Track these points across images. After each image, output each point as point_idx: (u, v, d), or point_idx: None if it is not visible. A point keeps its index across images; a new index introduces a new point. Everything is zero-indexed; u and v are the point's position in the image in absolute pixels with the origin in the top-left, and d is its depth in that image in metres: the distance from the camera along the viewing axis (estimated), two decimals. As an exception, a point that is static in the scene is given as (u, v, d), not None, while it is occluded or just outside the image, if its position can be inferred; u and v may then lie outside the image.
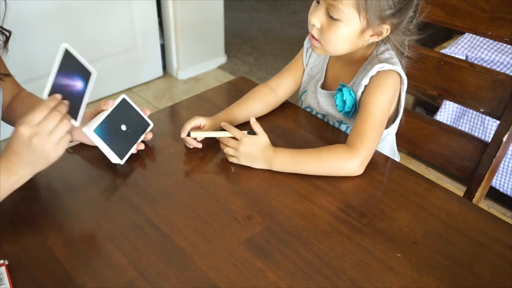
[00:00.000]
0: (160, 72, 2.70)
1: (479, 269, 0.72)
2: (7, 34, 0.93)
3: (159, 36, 2.59)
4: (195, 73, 2.75)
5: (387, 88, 0.94)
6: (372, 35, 0.93)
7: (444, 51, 1.81)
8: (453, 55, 1.66)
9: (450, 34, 2.19)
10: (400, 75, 0.95)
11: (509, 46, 1.75)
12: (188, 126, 0.97)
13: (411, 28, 0.95)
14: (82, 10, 2.22)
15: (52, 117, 0.74)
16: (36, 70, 2.20)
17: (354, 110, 0.99)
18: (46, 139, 0.74)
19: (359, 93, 0.96)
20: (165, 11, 2.53)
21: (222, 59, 2.86)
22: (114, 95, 2.50)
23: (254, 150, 0.91)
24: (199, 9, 2.58)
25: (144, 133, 0.95)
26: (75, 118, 0.79)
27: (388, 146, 1.09)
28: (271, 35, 3.22)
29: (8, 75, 1.01)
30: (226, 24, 2.87)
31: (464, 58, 1.79)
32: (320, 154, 0.91)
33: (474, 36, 1.80)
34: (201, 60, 2.76)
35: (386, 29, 0.91)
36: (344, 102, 0.98)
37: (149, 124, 0.97)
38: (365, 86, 0.95)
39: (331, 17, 0.90)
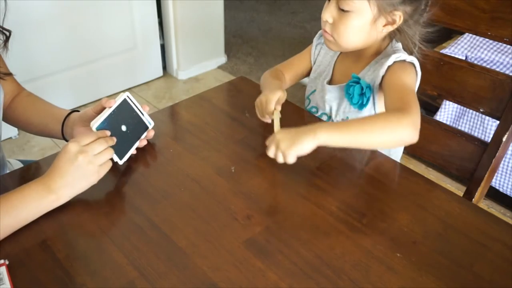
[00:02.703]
0: (160, 72, 2.70)
1: (479, 269, 0.72)
2: (7, 33, 0.93)
3: (159, 36, 2.59)
4: (195, 73, 2.76)
5: (409, 72, 0.94)
6: (385, 25, 0.93)
7: (444, 51, 1.81)
8: (453, 55, 1.66)
9: (450, 34, 2.19)
10: (415, 67, 0.96)
11: (509, 46, 1.75)
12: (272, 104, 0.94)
13: (422, 20, 0.95)
14: (82, 10, 2.22)
15: (100, 143, 0.81)
16: (36, 70, 2.20)
17: (367, 105, 0.99)
18: (91, 159, 0.79)
19: (376, 85, 0.96)
20: (165, 11, 2.54)
21: (222, 59, 2.87)
22: (114, 95, 2.50)
23: (291, 132, 0.82)
24: (199, 9, 2.58)
25: (144, 133, 0.95)
26: (120, 158, 0.89)
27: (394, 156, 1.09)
28: (271, 35, 3.22)
29: (9, 74, 1.02)
30: (226, 24, 2.87)
31: (464, 58, 1.79)
32: (370, 119, 0.84)
33: (474, 36, 1.80)
34: (201, 60, 2.76)
35: (399, 16, 0.91)
36: (362, 94, 0.98)
37: (149, 125, 0.97)
38: (382, 76, 0.95)
39: (342, 10, 0.91)
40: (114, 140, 0.85)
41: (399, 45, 1.00)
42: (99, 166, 0.81)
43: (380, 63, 0.97)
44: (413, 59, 0.95)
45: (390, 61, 0.94)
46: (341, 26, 0.93)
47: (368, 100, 0.98)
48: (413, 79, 0.95)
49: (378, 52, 1.00)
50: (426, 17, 0.96)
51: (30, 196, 0.77)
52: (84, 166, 0.79)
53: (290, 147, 0.80)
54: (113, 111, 0.89)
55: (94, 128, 0.86)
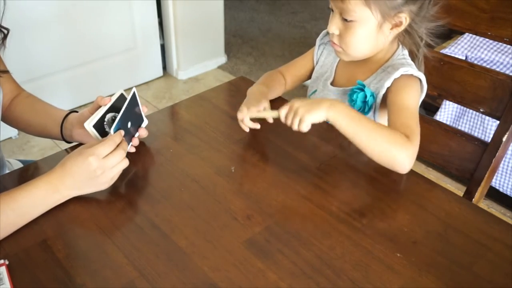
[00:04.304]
0: (160, 72, 2.70)
1: (479, 269, 0.72)
2: (5, 31, 0.93)
3: (159, 36, 2.59)
4: (195, 73, 2.76)
5: (413, 90, 0.94)
6: (392, 28, 0.92)
7: (444, 51, 1.81)
8: (453, 55, 1.66)
9: (450, 34, 2.19)
10: (421, 82, 0.95)
11: (509, 46, 1.75)
12: (254, 109, 0.93)
13: (430, 14, 0.94)
14: (82, 10, 2.22)
15: (117, 154, 0.81)
16: (36, 71, 2.20)
17: (368, 113, 0.99)
18: (106, 173, 0.80)
19: (380, 95, 0.96)
20: (165, 11, 2.54)
21: (222, 59, 2.87)
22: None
23: (308, 100, 0.85)
24: (199, 9, 2.58)
25: (138, 129, 0.95)
26: None
27: None
28: (271, 35, 3.22)
29: (6, 71, 1.01)
30: (226, 24, 2.87)
31: (464, 58, 1.79)
32: (381, 128, 0.83)
33: (474, 36, 1.80)
34: (201, 60, 2.76)
35: (404, 17, 0.90)
36: (365, 102, 0.98)
37: (143, 121, 0.96)
38: (387, 88, 0.94)
39: (346, 20, 0.91)
40: (126, 144, 0.86)
41: (406, 52, 1.00)
42: (111, 178, 0.82)
43: (386, 72, 0.96)
44: (420, 74, 0.94)
45: (397, 74, 0.93)
46: (348, 36, 0.92)
47: (370, 108, 0.98)
48: (417, 98, 0.94)
49: (385, 59, 1.00)
50: (434, 10, 0.95)
51: (36, 195, 0.77)
52: (98, 178, 0.80)
53: (309, 112, 0.82)
54: (126, 107, 0.88)
55: (91, 126, 0.86)
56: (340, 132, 0.84)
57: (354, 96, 0.98)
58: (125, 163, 0.83)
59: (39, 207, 0.78)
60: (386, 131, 0.83)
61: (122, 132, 0.85)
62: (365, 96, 0.97)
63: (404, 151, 0.82)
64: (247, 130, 0.96)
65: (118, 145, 0.83)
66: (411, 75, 0.94)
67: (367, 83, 0.99)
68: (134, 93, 0.91)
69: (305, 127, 0.84)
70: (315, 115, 0.83)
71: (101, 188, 0.82)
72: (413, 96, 0.93)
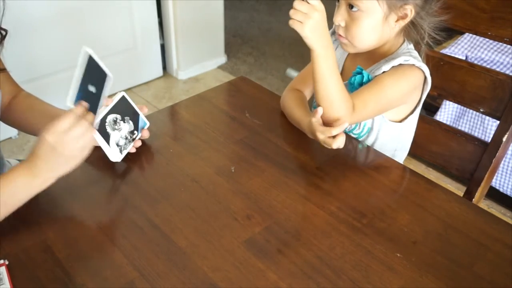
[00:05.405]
0: (160, 72, 2.70)
1: (479, 269, 0.72)
2: (3, 32, 0.93)
3: (159, 36, 2.59)
4: (195, 73, 2.75)
5: (405, 79, 0.94)
6: (397, 20, 0.93)
7: (444, 51, 1.81)
8: (453, 55, 1.66)
9: (450, 34, 2.19)
10: (424, 74, 0.95)
11: (509, 46, 1.75)
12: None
13: (435, 9, 0.95)
14: (82, 10, 2.22)
15: (78, 125, 0.76)
16: (36, 70, 2.20)
17: None
18: (70, 146, 0.76)
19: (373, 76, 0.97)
20: (165, 11, 2.53)
21: (222, 59, 2.86)
22: (113, 95, 2.50)
23: (322, 24, 0.82)
24: (199, 9, 2.58)
25: (140, 132, 0.95)
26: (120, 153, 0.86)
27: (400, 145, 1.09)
28: (271, 35, 3.22)
29: (3, 69, 1.01)
30: (226, 24, 2.87)
31: (464, 58, 1.79)
32: (343, 87, 0.88)
33: (474, 36, 1.80)
34: (201, 60, 2.76)
35: (410, 9, 0.91)
36: (362, 84, 0.98)
37: (107, 75, 0.92)
38: (383, 72, 0.95)
39: (352, 11, 0.91)
40: (92, 115, 0.80)
41: (411, 47, 1.00)
42: (80, 151, 0.77)
43: (387, 62, 0.97)
44: (422, 65, 0.95)
45: (396, 62, 0.94)
46: (354, 28, 0.93)
47: None
48: (406, 87, 0.94)
49: (390, 51, 1.00)
50: (438, 6, 0.95)
51: (16, 182, 0.76)
52: (64, 154, 0.76)
53: (312, 27, 0.81)
54: (83, 75, 0.82)
55: (69, 104, 0.81)
56: (314, 66, 0.85)
57: (352, 79, 0.99)
58: (91, 132, 0.78)
59: (22, 194, 0.77)
60: (345, 91, 0.88)
61: (84, 103, 0.79)
62: (362, 78, 0.98)
63: (342, 117, 0.87)
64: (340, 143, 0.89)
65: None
66: (413, 65, 0.94)
67: (368, 70, 1.00)
68: (86, 52, 0.81)
69: (294, 25, 0.82)
70: (314, 33, 0.82)
71: (73, 163, 0.78)
72: (399, 84, 0.93)
